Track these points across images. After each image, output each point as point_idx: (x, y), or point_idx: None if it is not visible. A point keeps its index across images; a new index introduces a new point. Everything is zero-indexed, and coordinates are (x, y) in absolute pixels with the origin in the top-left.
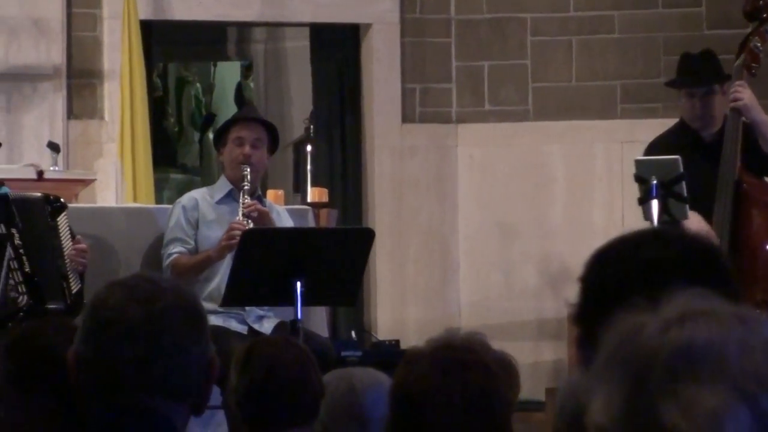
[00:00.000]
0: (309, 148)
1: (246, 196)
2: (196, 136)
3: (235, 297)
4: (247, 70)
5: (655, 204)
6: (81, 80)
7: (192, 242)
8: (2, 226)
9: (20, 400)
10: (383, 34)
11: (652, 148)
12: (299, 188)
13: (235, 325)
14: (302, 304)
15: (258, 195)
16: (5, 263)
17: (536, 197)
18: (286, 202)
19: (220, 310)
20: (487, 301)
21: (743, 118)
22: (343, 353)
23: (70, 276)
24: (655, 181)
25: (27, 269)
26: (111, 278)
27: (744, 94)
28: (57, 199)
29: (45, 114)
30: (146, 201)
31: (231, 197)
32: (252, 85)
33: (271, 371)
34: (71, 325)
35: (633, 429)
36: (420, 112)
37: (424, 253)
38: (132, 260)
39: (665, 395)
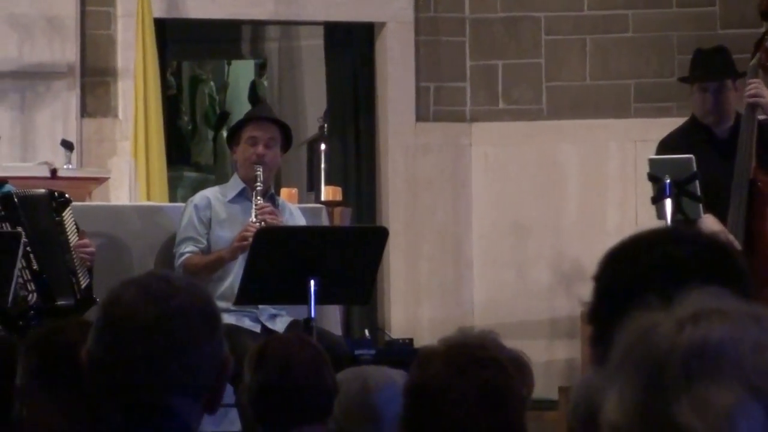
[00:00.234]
0: (323, 146)
1: (259, 197)
2: (210, 134)
3: (248, 295)
4: (261, 69)
5: (668, 203)
6: (95, 78)
7: (204, 241)
8: (7, 224)
9: (44, 397)
10: (398, 32)
11: (664, 146)
12: (313, 187)
13: (248, 324)
14: (316, 303)
15: (271, 194)
16: (18, 262)
17: (550, 196)
18: (300, 201)
19: (233, 308)
20: (501, 299)
21: (760, 116)
22: (357, 352)
23: (78, 271)
24: (668, 180)
25: (35, 266)
26: (124, 276)
27: (764, 91)
28: (62, 194)
29: (59, 112)
30: (160, 199)
31: (243, 196)
32: (266, 83)
33: (285, 370)
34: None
35: (647, 427)
36: (434, 111)
37: (437, 252)
38: (145, 258)
39: (679, 393)
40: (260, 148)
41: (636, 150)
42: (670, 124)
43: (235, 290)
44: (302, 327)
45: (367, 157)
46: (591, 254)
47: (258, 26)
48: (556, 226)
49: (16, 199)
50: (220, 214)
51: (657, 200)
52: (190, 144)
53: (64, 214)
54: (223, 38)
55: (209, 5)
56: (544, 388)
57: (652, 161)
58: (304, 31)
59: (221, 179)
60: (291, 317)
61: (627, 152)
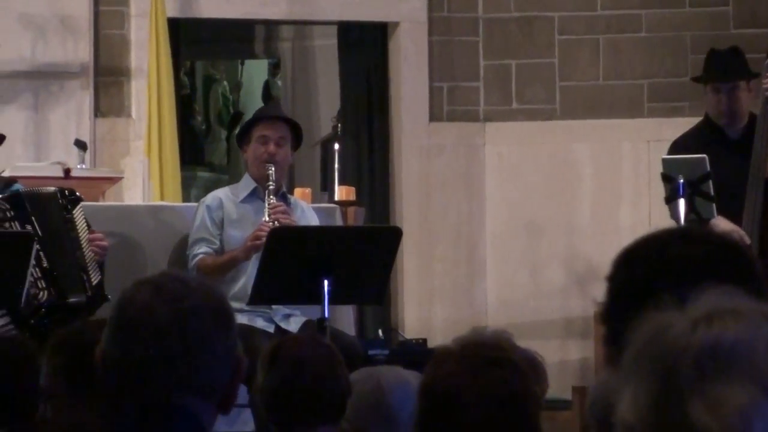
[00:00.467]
0: (336, 146)
1: (271, 196)
2: (224, 134)
3: (262, 295)
4: (274, 68)
5: (682, 203)
6: (108, 78)
7: (217, 242)
8: (16, 224)
9: (69, 396)
10: (411, 32)
11: (677, 146)
12: (327, 187)
13: (261, 324)
14: (329, 303)
15: (282, 192)
16: (31, 262)
17: (563, 196)
18: (314, 201)
19: (247, 308)
20: (514, 299)
21: None
22: (370, 352)
23: (89, 268)
24: (681, 180)
25: (45, 264)
26: (138, 276)
27: None
28: (72, 192)
29: (72, 112)
30: (173, 199)
31: (255, 195)
32: (279, 83)
33: (298, 370)
34: None
35: (661, 426)
36: (447, 111)
37: (451, 252)
38: (159, 258)
39: (693, 393)
40: (271, 147)
41: (649, 150)
42: (684, 123)
43: (248, 291)
44: (316, 327)
45: (380, 157)
46: (604, 254)
47: (271, 26)
48: (570, 226)
49: (24, 198)
50: (232, 214)
51: (670, 200)
52: (204, 144)
53: (74, 212)
54: (236, 38)
55: (223, 5)
56: (557, 388)
57: (665, 161)
58: (318, 31)
59: (235, 179)
60: (304, 317)
61: (640, 152)
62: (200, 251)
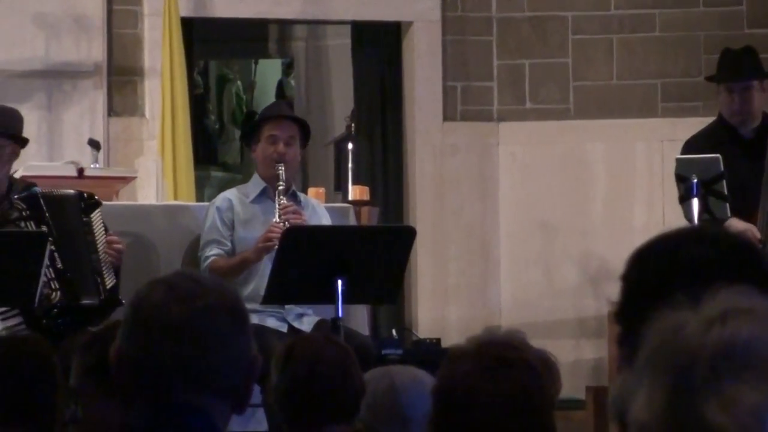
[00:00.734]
0: (350, 146)
1: (282, 196)
2: (237, 133)
3: (276, 295)
4: (288, 68)
5: (695, 202)
6: (122, 77)
7: (229, 243)
8: (31, 223)
9: (100, 396)
10: (425, 32)
11: (690, 146)
12: (340, 186)
13: (275, 323)
14: (343, 302)
15: (292, 191)
16: (45, 261)
17: (577, 196)
18: (327, 200)
19: (260, 308)
20: (528, 299)
21: None
22: (384, 351)
23: (104, 271)
24: (695, 180)
25: (59, 265)
26: (151, 276)
27: None
28: (91, 196)
29: (85, 111)
30: (187, 199)
31: (266, 195)
32: (293, 82)
33: (312, 369)
34: None
35: (675, 426)
36: (461, 111)
37: (465, 252)
38: (172, 258)
39: (707, 392)
40: (281, 146)
41: (663, 149)
42: (697, 123)
43: (260, 292)
44: (329, 327)
45: (394, 156)
46: (618, 254)
47: (285, 25)
48: (583, 225)
49: (41, 199)
50: (243, 214)
51: (684, 200)
52: (217, 143)
53: (92, 216)
54: (250, 37)
55: (236, 4)
56: (571, 387)
57: (679, 161)
58: (331, 31)
59: (248, 179)
60: (317, 317)
61: (654, 152)
62: (212, 253)
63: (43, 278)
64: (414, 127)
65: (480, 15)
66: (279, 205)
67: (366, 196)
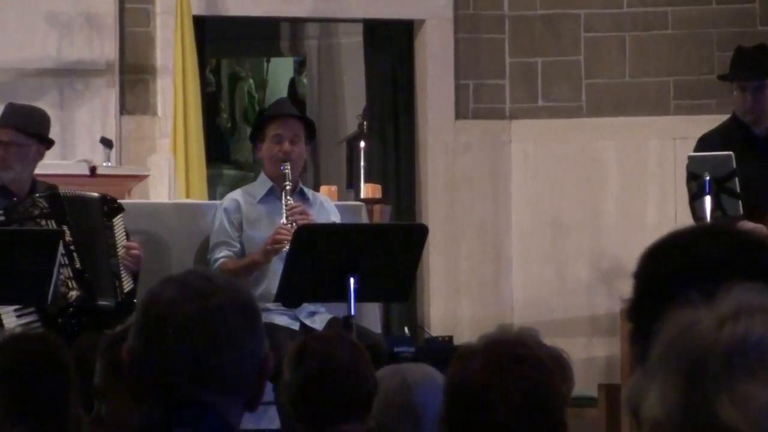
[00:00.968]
0: (362, 144)
1: (288, 196)
2: (249, 132)
3: (288, 293)
4: (300, 66)
5: (707, 200)
6: (134, 76)
7: (237, 244)
8: (52, 222)
9: (124, 395)
10: (437, 30)
11: (703, 143)
12: (353, 184)
13: (286, 321)
14: (355, 300)
15: (299, 189)
16: (57, 259)
17: (589, 193)
18: (340, 198)
19: (271, 306)
20: (540, 297)
21: None
22: (396, 349)
23: (122, 275)
24: (707, 177)
25: (77, 265)
26: (163, 274)
27: None
28: (114, 200)
29: (98, 110)
30: (199, 197)
31: (273, 195)
32: (305, 81)
33: (325, 367)
34: None
35: (688, 423)
36: (473, 109)
37: (477, 249)
38: (184, 256)
39: (720, 389)
40: (286, 145)
41: (675, 147)
42: (710, 121)
43: (272, 291)
44: (341, 324)
45: (406, 154)
46: (630, 251)
47: (297, 23)
48: (596, 223)
49: (63, 199)
50: (251, 215)
51: (696, 197)
52: (229, 142)
53: (114, 220)
54: (262, 35)
55: (248, 3)
56: (583, 385)
57: (691, 158)
58: (344, 29)
59: None
60: (329, 315)
61: (666, 149)
62: (221, 255)
63: (60, 277)
64: (426, 125)
65: (492, 13)
66: (286, 205)
67: (378, 194)
